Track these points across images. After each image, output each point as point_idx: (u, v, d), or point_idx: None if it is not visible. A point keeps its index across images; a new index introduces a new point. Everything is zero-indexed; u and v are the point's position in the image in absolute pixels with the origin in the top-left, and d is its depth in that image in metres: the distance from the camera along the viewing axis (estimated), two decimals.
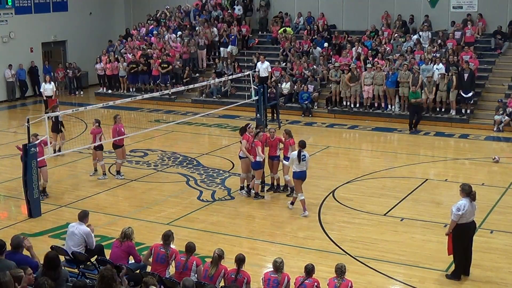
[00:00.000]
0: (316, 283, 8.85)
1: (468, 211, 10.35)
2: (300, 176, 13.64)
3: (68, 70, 29.50)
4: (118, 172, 16.45)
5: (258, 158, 14.38)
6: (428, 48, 23.98)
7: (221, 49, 28.26)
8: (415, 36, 25.11)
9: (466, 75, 21.82)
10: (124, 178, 16.33)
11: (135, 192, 15.55)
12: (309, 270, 8.93)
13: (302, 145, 13.65)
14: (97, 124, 16.28)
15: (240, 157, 15.00)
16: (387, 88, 22.96)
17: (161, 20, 30.80)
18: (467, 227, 10.51)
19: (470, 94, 22.00)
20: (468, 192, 10.47)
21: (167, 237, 9.70)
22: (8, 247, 8.77)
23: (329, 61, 25.53)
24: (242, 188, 15.14)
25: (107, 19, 32.33)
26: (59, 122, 18.16)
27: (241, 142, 14.93)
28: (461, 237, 10.51)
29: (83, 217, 10.46)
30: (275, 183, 15.25)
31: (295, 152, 13.59)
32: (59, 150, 17.94)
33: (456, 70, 22.05)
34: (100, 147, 16.31)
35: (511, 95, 22.04)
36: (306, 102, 24.08)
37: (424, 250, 11.84)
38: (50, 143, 15.98)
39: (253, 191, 14.82)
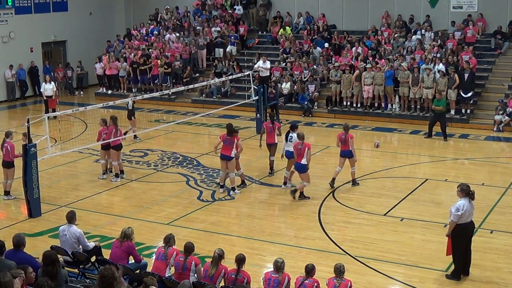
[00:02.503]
0: (316, 283, 8.86)
1: (467, 211, 10.36)
2: (288, 155, 15.06)
3: (69, 70, 29.44)
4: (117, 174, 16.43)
5: (303, 161, 14.30)
6: (429, 48, 23.98)
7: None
8: (417, 36, 25.10)
9: (466, 75, 21.81)
10: (124, 178, 16.34)
11: (135, 192, 15.56)
12: (309, 270, 8.93)
13: (292, 127, 15.34)
14: (103, 123, 16.25)
15: (230, 157, 14.89)
16: (386, 86, 22.99)
17: (161, 20, 30.80)
18: (466, 227, 10.50)
19: (470, 94, 22.01)
20: (467, 192, 10.46)
21: (168, 240, 9.80)
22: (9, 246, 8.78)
23: (329, 61, 25.54)
24: (241, 184, 15.34)
25: (107, 19, 32.30)
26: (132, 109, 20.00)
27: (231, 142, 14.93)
28: (460, 237, 10.50)
29: (71, 218, 10.43)
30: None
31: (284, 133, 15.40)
32: (135, 137, 20.01)
33: (453, 69, 22.04)
34: (105, 147, 16.20)
35: (511, 95, 22.05)
36: (306, 102, 24.08)
37: (424, 250, 11.84)
38: (125, 133, 18.21)
39: (291, 187, 15.08)
